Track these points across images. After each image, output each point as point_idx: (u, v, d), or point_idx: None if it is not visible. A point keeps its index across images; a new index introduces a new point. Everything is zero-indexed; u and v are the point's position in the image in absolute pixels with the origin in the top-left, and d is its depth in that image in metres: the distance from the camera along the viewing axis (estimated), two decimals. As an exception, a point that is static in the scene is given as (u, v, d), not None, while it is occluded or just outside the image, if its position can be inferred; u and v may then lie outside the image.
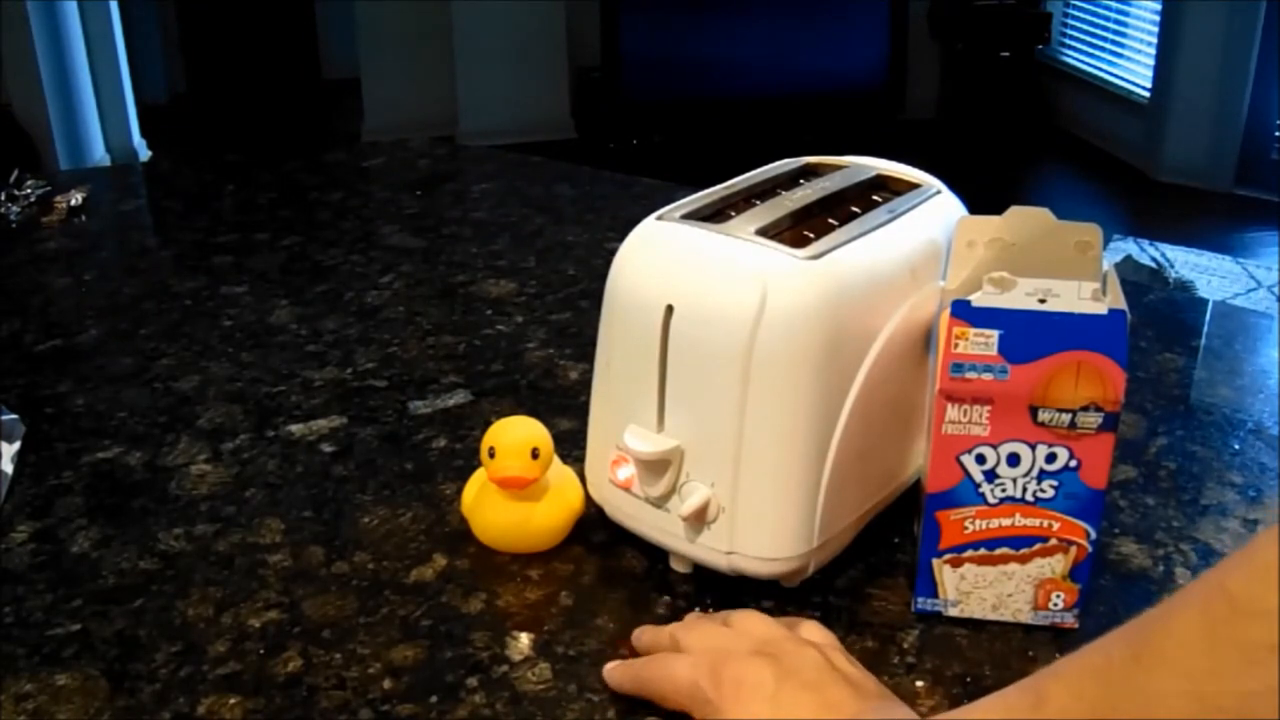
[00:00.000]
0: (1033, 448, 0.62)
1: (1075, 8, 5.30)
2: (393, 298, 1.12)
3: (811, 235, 0.66)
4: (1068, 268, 0.63)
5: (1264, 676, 0.37)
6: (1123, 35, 5.04)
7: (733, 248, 0.64)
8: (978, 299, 0.60)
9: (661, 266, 0.66)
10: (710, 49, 5.16)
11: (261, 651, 0.64)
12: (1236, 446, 0.86)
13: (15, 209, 1.33)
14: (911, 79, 5.42)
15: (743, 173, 0.77)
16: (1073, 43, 5.33)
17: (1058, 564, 0.64)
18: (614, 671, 0.61)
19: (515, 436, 0.69)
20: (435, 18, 4.93)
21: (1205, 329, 1.09)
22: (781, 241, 0.65)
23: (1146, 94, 4.75)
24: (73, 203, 1.35)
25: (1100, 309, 0.59)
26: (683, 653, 0.59)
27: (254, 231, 1.31)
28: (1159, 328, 1.07)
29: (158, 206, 1.50)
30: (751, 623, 0.61)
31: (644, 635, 0.64)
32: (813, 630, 0.61)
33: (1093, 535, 0.63)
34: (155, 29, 5.76)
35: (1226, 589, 0.39)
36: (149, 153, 4.42)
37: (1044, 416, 0.61)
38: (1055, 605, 0.65)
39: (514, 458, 0.68)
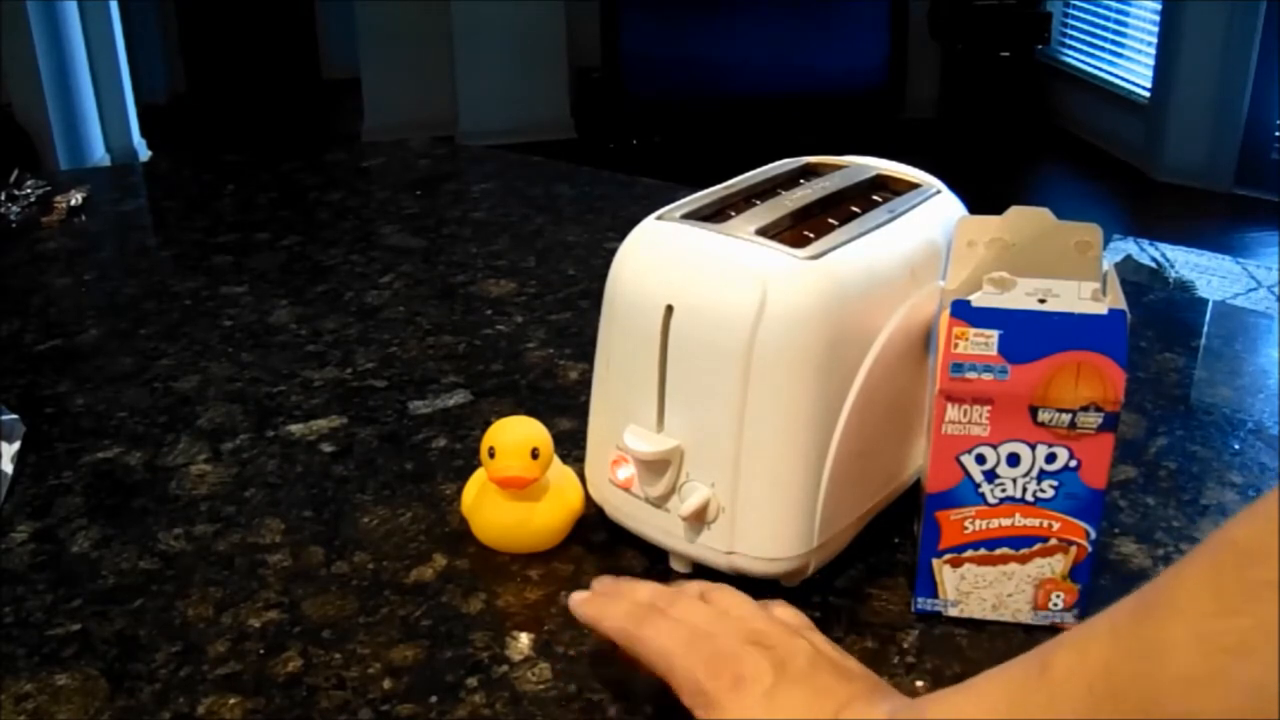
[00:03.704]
0: (1033, 448, 0.62)
1: (1075, 8, 5.30)
2: (393, 298, 1.12)
3: (811, 235, 0.66)
4: (1068, 268, 0.63)
5: (1264, 611, 0.38)
6: (1123, 35, 5.04)
7: (733, 248, 0.64)
8: (978, 299, 0.60)
9: (661, 266, 0.66)
10: (710, 49, 5.17)
11: (261, 651, 0.64)
12: (1236, 446, 0.86)
13: (15, 209, 1.33)
14: (911, 79, 5.42)
15: (743, 173, 0.77)
16: (1073, 43, 5.33)
17: (1058, 564, 0.64)
18: (592, 607, 0.60)
19: (515, 436, 0.69)
20: (435, 18, 4.94)
21: (1205, 329, 1.09)
22: (781, 241, 0.65)
23: (1146, 94, 4.75)
24: (73, 203, 1.35)
25: (1100, 309, 0.59)
26: (673, 620, 0.58)
27: (254, 231, 1.31)
28: (1159, 328, 1.07)
29: (158, 206, 1.50)
30: (730, 600, 0.60)
31: (611, 594, 0.62)
32: (786, 613, 0.61)
33: (1093, 535, 0.63)
34: (155, 29, 5.76)
35: (1232, 538, 0.41)
36: (149, 153, 4.42)
37: (1044, 416, 0.61)
38: (1055, 605, 0.65)
39: (514, 458, 0.68)
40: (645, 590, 0.61)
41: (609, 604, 0.60)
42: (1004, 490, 0.63)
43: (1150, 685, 0.41)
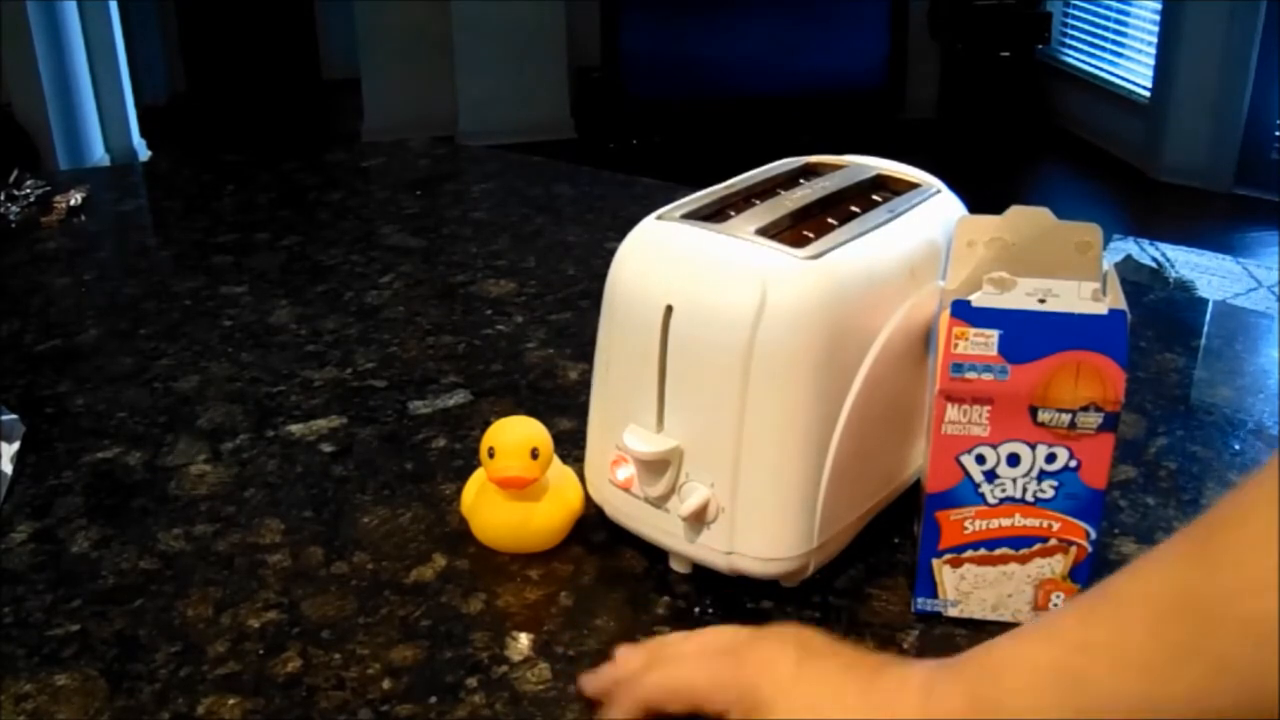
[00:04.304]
0: (1033, 448, 0.62)
1: (1075, 8, 5.30)
2: (393, 298, 1.12)
3: (811, 235, 0.66)
4: (1068, 268, 0.63)
5: None
6: (1123, 35, 5.04)
7: (733, 248, 0.64)
8: (978, 299, 0.60)
9: (661, 266, 0.66)
10: (710, 48, 5.17)
11: (261, 651, 0.64)
12: (1236, 446, 0.86)
13: (15, 209, 1.33)
14: (911, 79, 5.42)
15: (743, 173, 0.77)
16: (1073, 43, 5.33)
17: (1058, 564, 0.64)
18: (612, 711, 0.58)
19: (515, 436, 0.69)
20: (435, 18, 4.93)
21: (1205, 329, 1.09)
22: (781, 241, 0.65)
23: (1146, 94, 4.75)
24: (72, 203, 1.35)
25: (1100, 309, 0.59)
26: (672, 656, 0.58)
27: (254, 231, 1.31)
28: (1159, 328, 1.07)
29: (158, 206, 1.50)
30: (727, 628, 0.60)
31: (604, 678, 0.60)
32: (799, 626, 0.61)
33: (1093, 535, 0.63)
34: (155, 29, 5.75)
35: None
36: (149, 153, 4.42)
37: (1044, 416, 0.61)
38: (1055, 605, 0.65)
39: (514, 458, 0.68)
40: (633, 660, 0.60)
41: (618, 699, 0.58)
42: (1004, 490, 0.63)
43: (1218, 595, 0.41)
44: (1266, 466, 0.42)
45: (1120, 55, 5.04)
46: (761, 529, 0.65)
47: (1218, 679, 0.41)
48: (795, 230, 0.68)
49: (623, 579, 0.70)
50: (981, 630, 0.66)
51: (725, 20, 5.13)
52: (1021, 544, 0.64)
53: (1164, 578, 0.43)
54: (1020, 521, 0.63)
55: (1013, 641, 0.49)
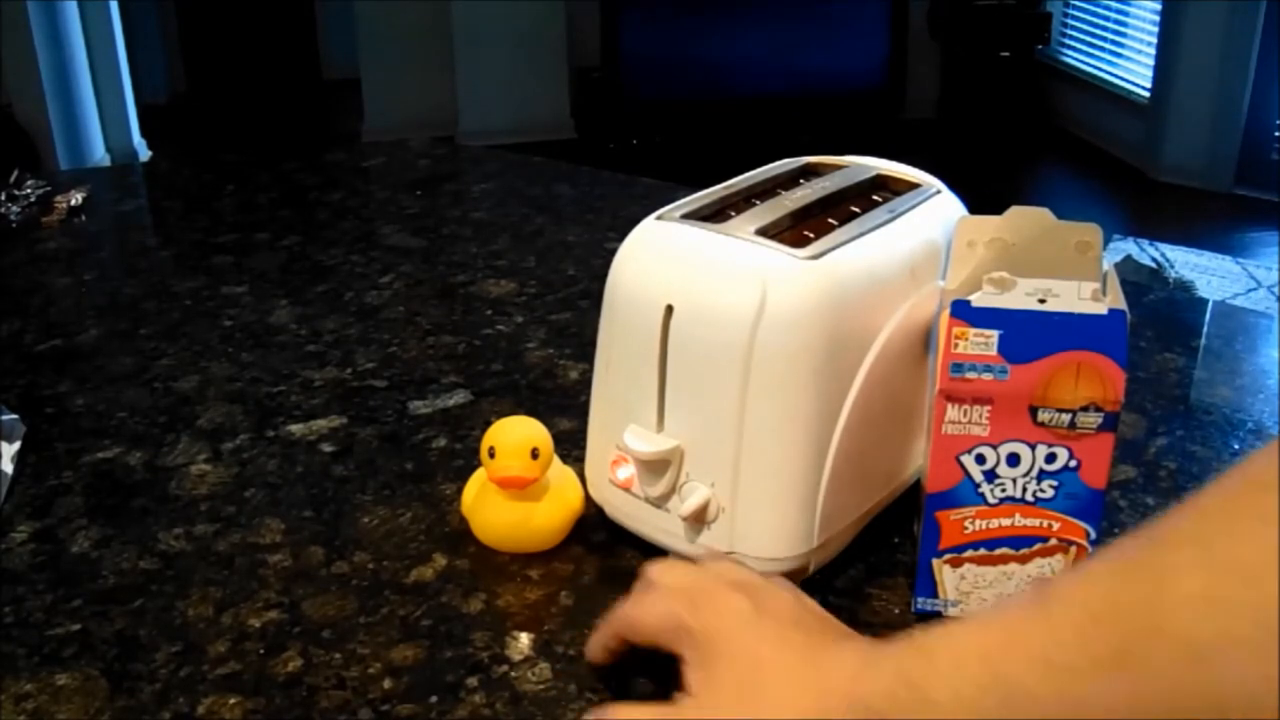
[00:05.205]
0: (1033, 448, 0.62)
1: (1075, 8, 5.30)
2: (393, 298, 1.12)
3: (811, 235, 0.66)
4: (1068, 268, 0.63)
5: (1276, 539, 0.38)
6: (1123, 35, 5.04)
7: (733, 248, 0.64)
8: (978, 299, 0.60)
9: (661, 266, 0.66)
10: (710, 49, 5.17)
11: (261, 651, 0.64)
12: (1236, 446, 0.86)
13: (15, 209, 1.33)
14: (911, 79, 5.42)
15: (743, 173, 0.77)
16: (1073, 43, 5.33)
17: (1058, 564, 0.64)
18: (593, 642, 0.62)
19: (515, 436, 0.69)
20: (435, 18, 4.94)
21: (1205, 329, 1.09)
22: (781, 241, 0.65)
23: (1146, 94, 4.76)
24: (73, 203, 1.35)
25: (1100, 309, 0.59)
26: (657, 585, 0.59)
27: (254, 231, 1.31)
28: (1159, 328, 1.07)
29: (158, 206, 1.50)
30: (723, 565, 0.61)
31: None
32: (780, 583, 0.62)
33: (1093, 535, 0.63)
34: (155, 29, 5.76)
35: (1246, 473, 0.41)
36: (149, 153, 4.42)
37: (1044, 416, 0.61)
38: (1055, 605, 0.65)
39: (514, 458, 0.68)
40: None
41: (597, 631, 0.62)
42: (1004, 490, 0.63)
43: (1152, 607, 0.41)
44: (1211, 485, 0.42)
45: (1120, 55, 5.05)
46: (761, 529, 0.65)
47: (1143, 692, 0.41)
48: (795, 230, 0.68)
49: (623, 579, 0.70)
50: (981, 630, 0.66)
51: (725, 20, 5.13)
52: (1021, 544, 0.64)
53: (1102, 584, 0.43)
54: (1020, 521, 0.64)
55: (953, 625, 0.50)
